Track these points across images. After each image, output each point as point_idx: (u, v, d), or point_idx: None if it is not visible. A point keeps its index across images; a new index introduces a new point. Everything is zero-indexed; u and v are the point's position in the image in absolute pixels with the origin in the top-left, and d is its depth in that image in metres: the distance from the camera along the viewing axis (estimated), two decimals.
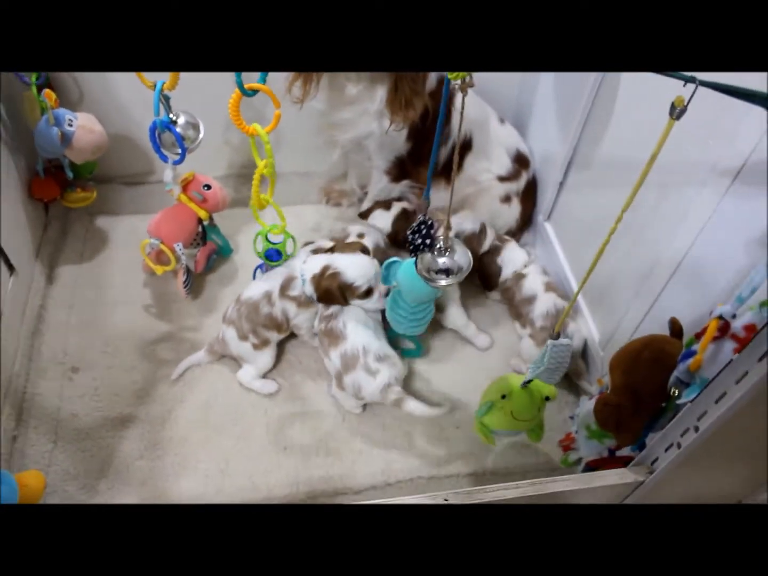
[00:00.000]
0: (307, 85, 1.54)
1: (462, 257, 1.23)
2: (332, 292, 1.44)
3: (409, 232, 1.27)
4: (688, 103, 0.74)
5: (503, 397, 1.18)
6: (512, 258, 1.72)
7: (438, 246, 1.19)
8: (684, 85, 0.75)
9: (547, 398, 1.21)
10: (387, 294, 1.48)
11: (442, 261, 1.18)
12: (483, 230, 1.71)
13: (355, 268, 1.45)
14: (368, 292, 1.47)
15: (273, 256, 1.56)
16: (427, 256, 1.18)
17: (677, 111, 0.74)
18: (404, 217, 1.72)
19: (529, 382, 1.17)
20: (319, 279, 1.46)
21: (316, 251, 1.59)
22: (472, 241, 1.68)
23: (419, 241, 1.23)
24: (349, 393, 1.45)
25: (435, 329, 1.67)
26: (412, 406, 1.43)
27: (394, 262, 1.38)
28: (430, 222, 1.24)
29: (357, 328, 1.46)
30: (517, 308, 1.67)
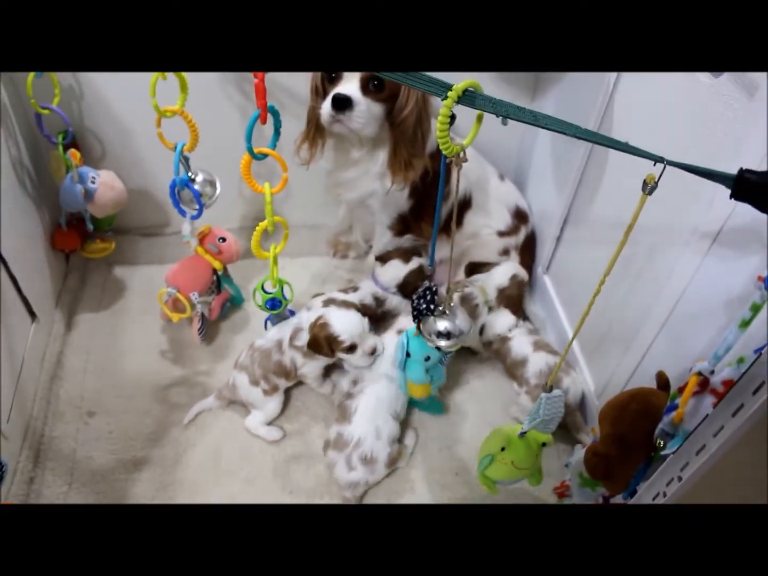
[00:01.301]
0: (313, 148, 1.63)
1: (463, 322, 1.32)
2: (318, 340, 1.52)
3: (414, 297, 1.34)
4: (658, 181, 0.81)
5: (503, 449, 1.22)
6: (497, 320, 1.76)
7: (439, 310, 1.29)
8: (654, 164, 0.82)
9: (544, 444, 1.25)
10: (372, 353, 1.56)
11: (444, 325, 1.28)
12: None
13: (342, 322, 1.53)
14: (351, 348, 1.54)
15: (275, 305, 1.63)
16: (429, 319, 1.28)
17: (649, 187, 0.82)
18: (419, 272, 1.79)
19: (525, 432, 1.22)
20: (312, 327, 1.54)
21: (327, 302, 1.67)
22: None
23: (424, 306, 1.31)
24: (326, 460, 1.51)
25: None
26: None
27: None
28: (435, 288, 1.32)
29: (364, 418, 1.48)
30: (511, 370, 1.70)
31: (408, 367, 1.46)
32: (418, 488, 1.52)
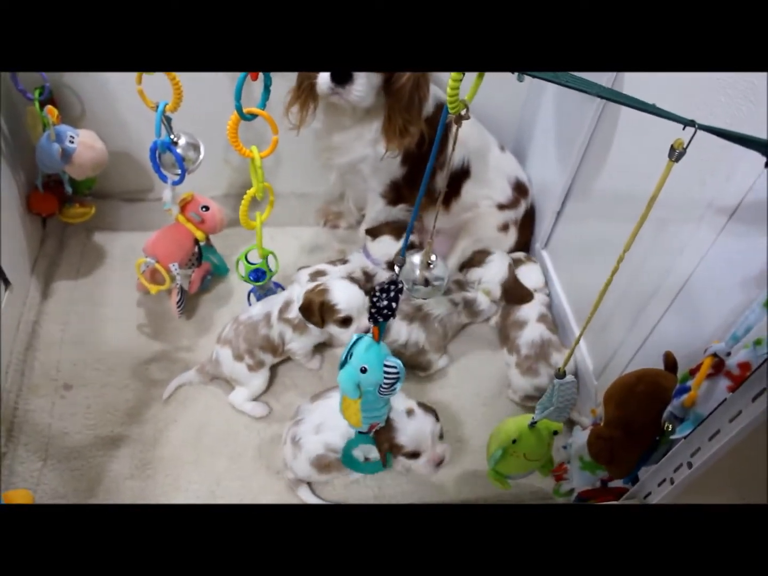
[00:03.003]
0: (304, 111, 1.55)
1: (441, 270, 1.24)
2: (312, 305, 1.45)
3: (376, 290, 1.07)
4: (686, 147, 0.75)
5: (514, 441, 1.17)
6: (529, 276, 1.77)
7: (420, 260, 1.20)
8: (683, 128, 0.76)
9: (555, 432, 1.20)
10: (366, 332, 1.43)
11: (423, 273, 1.20)
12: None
13: (344, 292, 1.46)
14: (346, 321, 1.46)
15: (259, 277, 1.57)
16: (407, 267, 1.18)
17: (676, 153, 0.75)
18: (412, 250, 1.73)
19: (536, 422, 1.17)
20: (308, 292, 1.47)
21: (315, 274, 1.62)
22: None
23: (384, 303, 1.06)
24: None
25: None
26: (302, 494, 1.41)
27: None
28: (400, 285, 1.07)
29: (323, 408, 1.38)
30: (507, 329, 1.70)
31: (343, 369, 1.14)
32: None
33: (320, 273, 1.66)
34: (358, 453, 1.33)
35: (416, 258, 1.23)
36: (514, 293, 1.72)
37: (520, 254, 1.84)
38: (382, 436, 1.27)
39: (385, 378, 1.09)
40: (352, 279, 1.52)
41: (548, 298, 1.76)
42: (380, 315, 1.05)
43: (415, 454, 1.29)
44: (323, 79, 1.41)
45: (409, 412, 1.28)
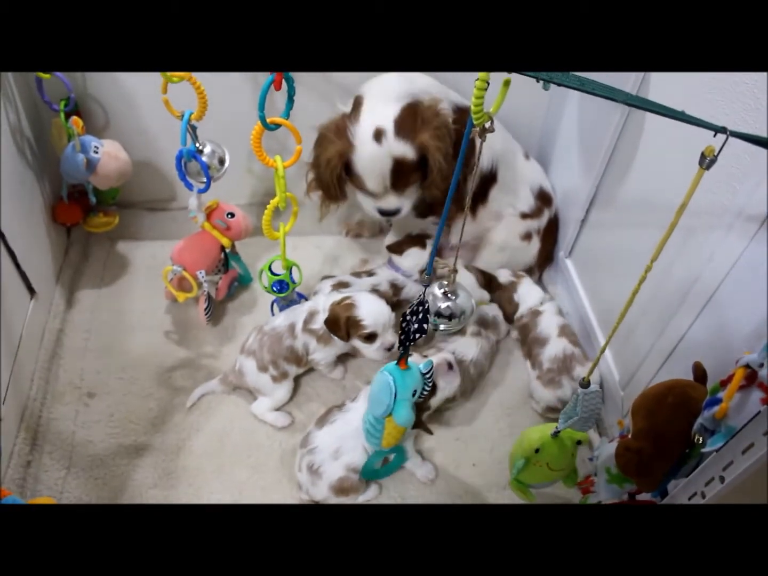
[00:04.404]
0: (332, 205, 1.65)
1: (465, 301, 1.21)
2: (339, 319, 1.44)
3: (407, 313, 1.10)
4: (718, 154, 0.73)
5: (537, 451, 1.16)
6: (528, 294, 1.74)
7: (442, 290, 1.17)
8: (714, 135, 0.74)
9: (579, 442, 1.19)
10: (389, 349, 1.46)
11: (445, 305, 1.17)
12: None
13: (371, 308, 1.46)
14: (370, 337, 1.46)
15: (282, 288, 1.57)
16: (429, 299, 1.17)
17: (707, 161, 0.74)
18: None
19: (559, 431, 1.15)
20: (335, 305, 1.47)
21: (337, 285, 1.62)
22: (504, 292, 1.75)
23: (415, 326, 1.07)
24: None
25: None
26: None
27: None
28: (427, 305, 1.09)
29: (333, 432, 1.37)
30: (529, 347, 1.67)
31: (396, 408, 1.15)
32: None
33: (343, 284, 1.66)
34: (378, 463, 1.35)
35: (437, 289, 1.21)
36: (495, 284, 1.75)
37: (505, 272, 1.79)
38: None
39: (426, 383, 1.18)
40: (378, 293, 1.52)
41: (556, 304, 1.75)
42: (411, 339, 1.08)
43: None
44: (370, 206, 1.57)
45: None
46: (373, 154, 1.47)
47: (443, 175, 1.49)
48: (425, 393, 1.19)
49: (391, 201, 1.54)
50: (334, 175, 1.52)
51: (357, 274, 1.74)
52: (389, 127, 1.45)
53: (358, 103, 1.51)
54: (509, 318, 1.75)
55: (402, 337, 1.08)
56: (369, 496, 1.41)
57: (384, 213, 1.57)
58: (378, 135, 1.45)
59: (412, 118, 1.46)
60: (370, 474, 1.35)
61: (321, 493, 1.37)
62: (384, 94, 1.49)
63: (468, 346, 1.61)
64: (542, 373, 1.59)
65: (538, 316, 1.69)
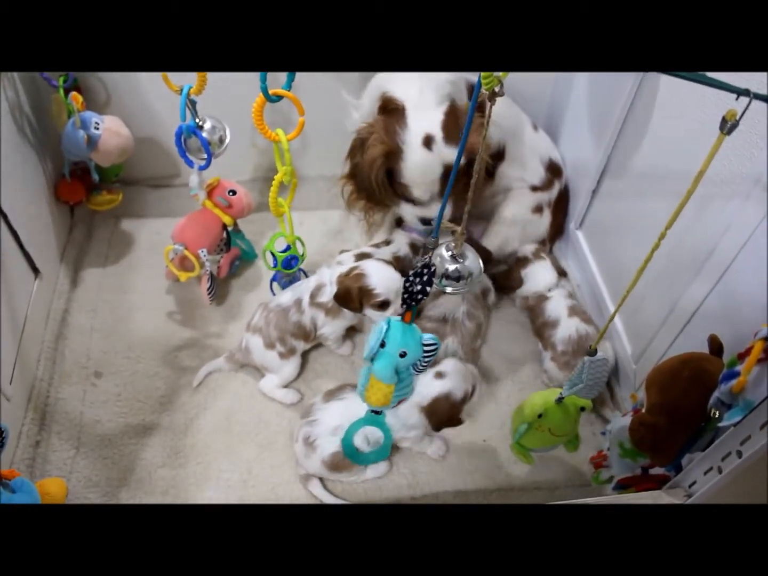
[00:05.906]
0: (376, 215, 1.65)
1: (473, 263, 1.19)
2: (351, 292, 1.42)
3: (410, 275, 1.07)
4: (740, 118, 0.70)
5: (540, 416, 1.16)
6: (538, 275, 1.69)
7: (450, 252, 1.15)
8: (737, 98, 0.71)
9: (583, 408, 1.18)
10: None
11: (453, 267, 1.15)
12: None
13: (381, 275, 1.43)
14: (384, 305, 1.43)
15: (291, 264, 1.55)
16: (436, 260, 1.14)
17: (728, 125, 0.70)
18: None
19: (563, 398, 1.14)
20: (343, 278, 1.45)
21: (359, 257, 1.59)
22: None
23: (419, 287, 1.05)
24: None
25: None
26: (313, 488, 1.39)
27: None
28: (433, 268, 1.05)
29: (337, 410, 1.36)
30: (540, 329, 1.65)
31: (378, 357, 1.13)
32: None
33: (366, 255, 1.62)
34: (361, 440, 1.32)
35: (444, 251, 1.19)
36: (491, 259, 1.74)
37: (527, 249, 1.75)
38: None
39: (425, 356, 1.12)
40: (386, 261, 1.49)
41: (569, 288, 1.72)
42: (413, 300, 1.04)
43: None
44: (411, 214, 1.54)
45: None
46: (425, 161, 1.41)
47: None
48: (423, 366, 1.16)
49: (437, 209, 1.48)
50: (379, 177, 1.46)
51: (376, 245, 1.71)
52: (438, 133, 1.39)
53: (393, 106, 1.44)
54: (505, 289, 1.73)
55: (405, 296, 1.06)
56: (380, 471, 1.40)
57: (428, 222, 1.52)
58: (428, 141, 1.39)
59: (454, 122, 1.41)
60: (350, 452, 1.33)
61: (313, 466, 1.36)
62: (423, 97, 1.42)
63: (455, 302, 1.59)
64: (556, 354, 1.57)
65: (545, 301, 1.65)
